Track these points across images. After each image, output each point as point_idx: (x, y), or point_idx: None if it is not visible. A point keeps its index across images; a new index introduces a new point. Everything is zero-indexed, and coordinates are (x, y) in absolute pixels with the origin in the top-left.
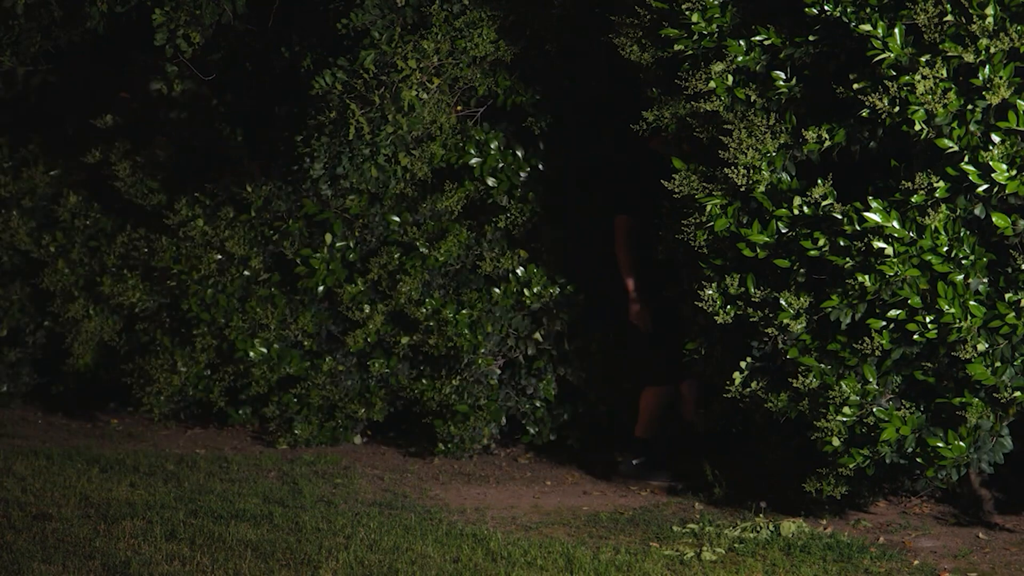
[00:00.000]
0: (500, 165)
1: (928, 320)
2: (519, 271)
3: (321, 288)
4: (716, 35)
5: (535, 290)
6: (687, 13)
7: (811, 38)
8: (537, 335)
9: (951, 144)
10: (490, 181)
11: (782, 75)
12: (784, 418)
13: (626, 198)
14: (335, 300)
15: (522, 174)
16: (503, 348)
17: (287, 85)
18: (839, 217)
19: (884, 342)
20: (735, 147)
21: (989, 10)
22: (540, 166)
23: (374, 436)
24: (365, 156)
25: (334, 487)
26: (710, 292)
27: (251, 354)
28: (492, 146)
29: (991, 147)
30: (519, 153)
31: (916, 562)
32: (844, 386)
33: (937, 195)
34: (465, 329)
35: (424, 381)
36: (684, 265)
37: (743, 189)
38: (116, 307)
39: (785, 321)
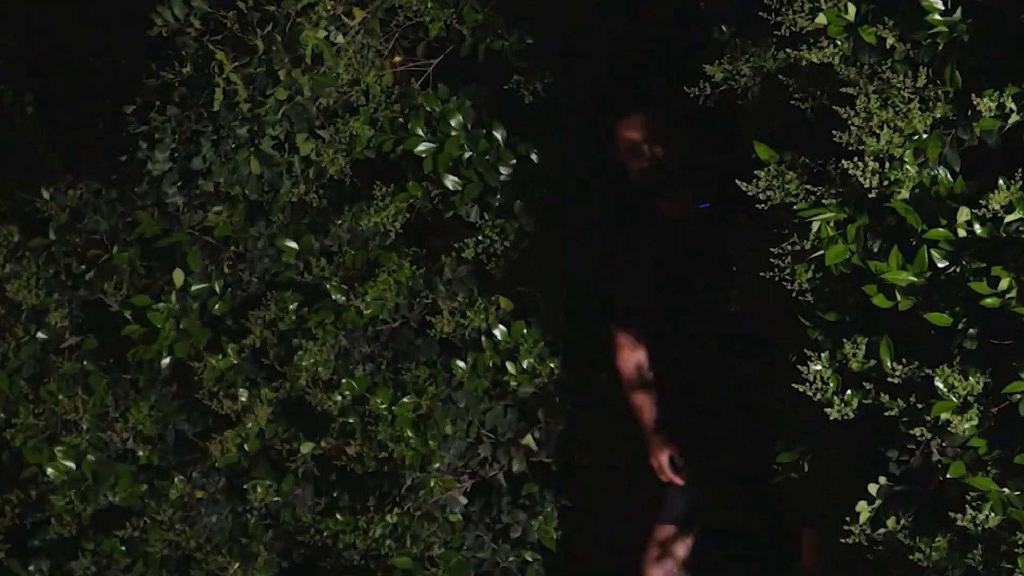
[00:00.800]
0: (466, 155)
1: None
2: (497, 332)
3: (167, 360)
4: None
5: (524, 363)
6: None
7: None
8: (528, 439)
9: None
10: (449, 181)
11: (938, 2)
12: None
13: (672, 206)
14: (189, 380)
15: (503, 169)
16: (471, 461)
17: (111, 16)
18: None
19: None
20: (860, 124)
21: None
22: (532, 156)
23: None
24: (241, 139)
25: None
26: (818, 367)
27: (49, 471)
28: (453, 123)
29: None
30: (498, 135)
31: None
32: None
33: None
34: (407, 429)
35: (339, 516)
36: (774, 322)
37: (873, 195)
38: None
39: (944, 416)
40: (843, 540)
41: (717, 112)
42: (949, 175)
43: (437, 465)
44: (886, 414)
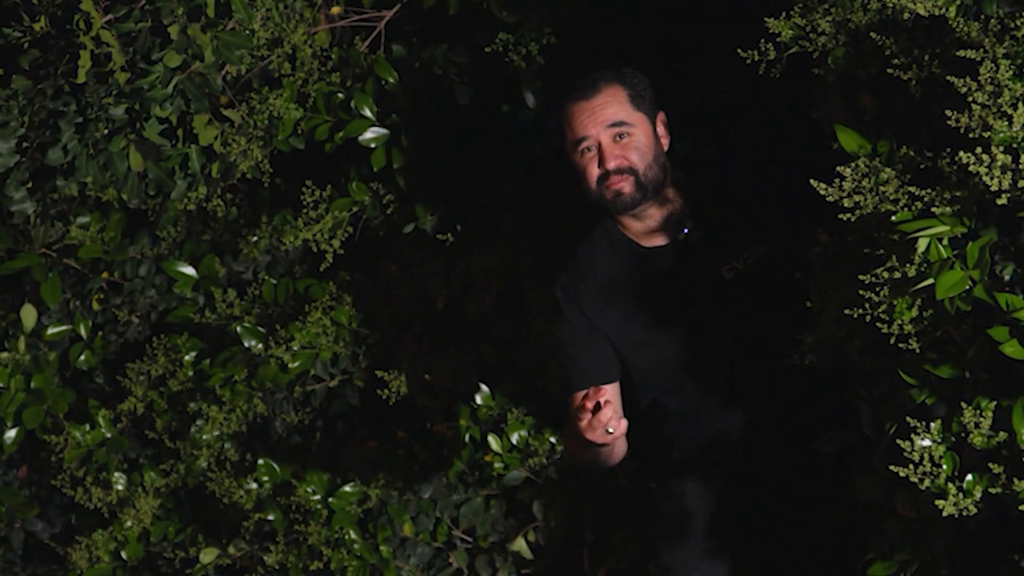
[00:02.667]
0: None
1: None
2: (477, 395)
3: (12, 433)
4: None
5: (513, 438)
6: None
7: None
8: (520, 543)
9: None
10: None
11: None
12: None
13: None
14: (44, 461)
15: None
16: (440, 574)
17: None
18: None
19: None
20: (985, 102)
21: None
22: (534, 149)
23: None
24: (116, 123)
25: None
26: (926, 443)
27: None
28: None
29: None
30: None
31: None
32: None
33: None
34: (350, 530)
35: None
36: (866, 379)
37: (1003, 201)
38: None
39: None
40: None
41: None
42: None
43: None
44: (1022, 508)
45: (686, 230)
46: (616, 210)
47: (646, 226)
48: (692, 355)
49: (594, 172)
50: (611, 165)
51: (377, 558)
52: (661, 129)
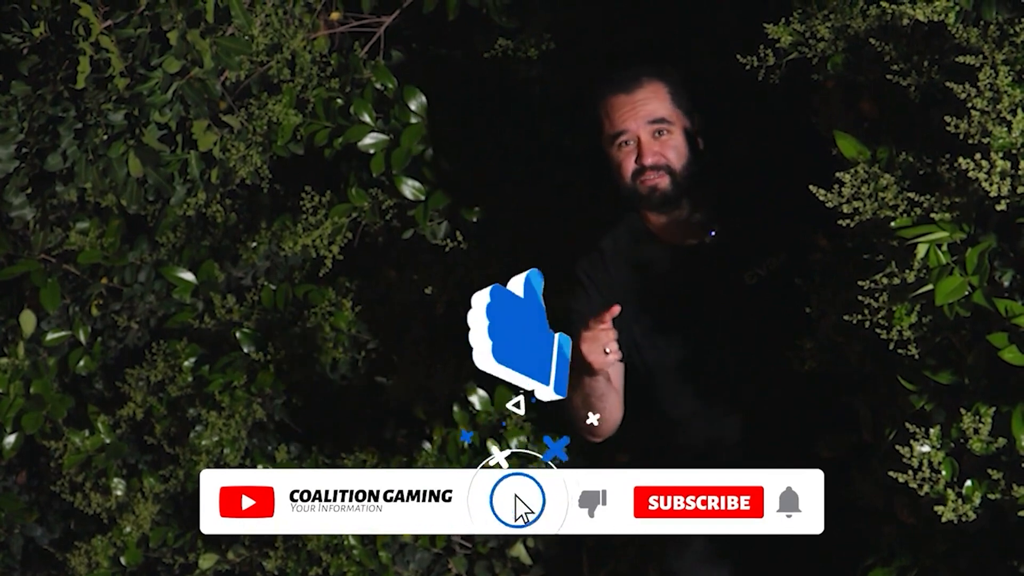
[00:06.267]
0: (431, 150)
1: None
2: (475, 399)
3: (11, 439)
4: None
5: (513, 443)
6: None
7: None
8: (519, 548)
9: None
10: (408, 188)
11: None
12: None
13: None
14: (43, 467)
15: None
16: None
17: None
18: None
19: None
20: (984, 108)
21: None
22: (534, 154)
23: None
24: (115, 128)
25: None
26: (925, 448)
27: None
28: (413, 106)
29: None
30: (476, 123)
31: None
32: None
33: None
34: (348, 535)
35: None
36: (866, 385)
37: (1002, 207)
38: None
39: None
40: None
41: (759, 90)
42: None
43: None
44: (1022, 514)
45: (713, 232)
46: (648, 206)
47: (667, 225)
48: (701, 357)
49: (630, 166)
50: (648, 161)
51: (376, 563)
52: (697, 130)
